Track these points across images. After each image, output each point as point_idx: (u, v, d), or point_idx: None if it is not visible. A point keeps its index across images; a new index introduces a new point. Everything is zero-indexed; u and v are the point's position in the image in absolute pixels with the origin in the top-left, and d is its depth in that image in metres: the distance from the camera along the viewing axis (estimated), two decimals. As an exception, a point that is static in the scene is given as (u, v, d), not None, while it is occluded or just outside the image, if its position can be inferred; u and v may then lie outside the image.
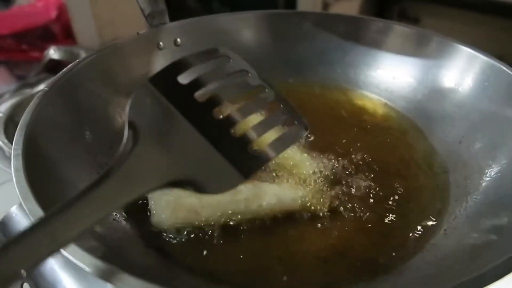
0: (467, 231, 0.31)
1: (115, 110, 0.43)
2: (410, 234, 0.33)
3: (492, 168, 0.35)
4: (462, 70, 0.43)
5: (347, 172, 0.39)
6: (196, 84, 0.28)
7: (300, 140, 0.41)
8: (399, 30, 0.49)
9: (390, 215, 0.35)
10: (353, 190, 0.37)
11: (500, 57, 0.40)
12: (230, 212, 0.33)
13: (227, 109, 0.28)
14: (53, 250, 0.19)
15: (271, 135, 0.29)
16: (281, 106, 0.30)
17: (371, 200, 0.36)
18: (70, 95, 0.38)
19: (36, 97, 0.34)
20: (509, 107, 0.37)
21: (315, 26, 0.52)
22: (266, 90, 0.30)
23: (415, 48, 0.48)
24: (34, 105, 0.33)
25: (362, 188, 0.37)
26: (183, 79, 0.28)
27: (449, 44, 0.44)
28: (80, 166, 0.36)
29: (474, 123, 0.40)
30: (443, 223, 0.34)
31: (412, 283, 0.29)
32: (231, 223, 0.33)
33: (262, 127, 0.29)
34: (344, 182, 0.37)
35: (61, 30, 0.84)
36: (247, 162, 0.27)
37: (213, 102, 0.28)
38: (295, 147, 0.41)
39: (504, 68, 0.38)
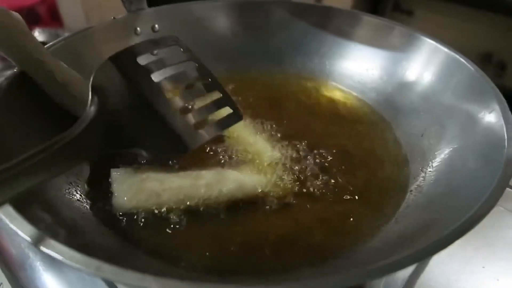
0: (416, 217, 0.32)
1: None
2: (364, 222, 0.34)
3: (442, 161, 0.36)
4: (426, 63, 0.44)
5: (310, 161, 0.40)
6: (152, 66, 0.33)
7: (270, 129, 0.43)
8: (368, 21, 0.50)
9: (348, 203, 0.36)
10: (314, 179, 0.38)
11: (491, 53, 0.41)
12: (191, 196, 0.34)
13: (176, 92, 0.33)
14: None
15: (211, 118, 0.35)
16: (222, 95, 0.36)
17: (331, 189, 0.37)
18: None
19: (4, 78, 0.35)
20: (469, 102, 0.37)
21: (288, 16, 0.53)
22: (210, 80, 0.36)
23: (384, 40, 0.48)
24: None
25: (323, 177, 0.38)
26: (142, 60, 0.33)
27: (414, 35, 0.45)
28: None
29: (437, 116, 0.41)
30: (396, 212, 0.35)
31: (358, 264, 0.30)
32: (192, 205, 0.34)
33: (205, 111, 0.34)
34: (306, 171, 0.38)
35: (47, 13, 0.84)
36: (191, 137, 0.32)
37: (165, 84, 0.33)
38: (261, 134, 0.42)
39: (465, 62, 0.39)
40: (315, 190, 0.37)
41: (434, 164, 0.37)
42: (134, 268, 0.19)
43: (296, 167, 0.39)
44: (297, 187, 0.37)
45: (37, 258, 0.37)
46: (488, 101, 0.34)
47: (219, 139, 0.41)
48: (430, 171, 0.37)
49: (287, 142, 0.42)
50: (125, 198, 0.33)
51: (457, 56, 0.40)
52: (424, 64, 0.44)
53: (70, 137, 0.25)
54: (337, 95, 0.51)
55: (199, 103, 0.36)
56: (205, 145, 0.39)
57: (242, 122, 0.38)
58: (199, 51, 0.53)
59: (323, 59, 0.54)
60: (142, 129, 0.30)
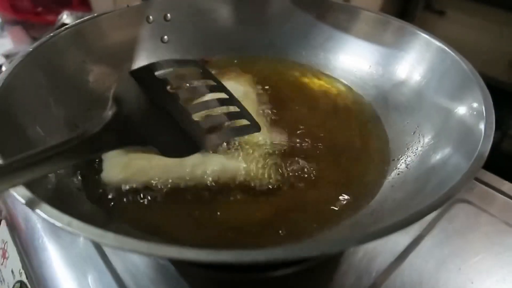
0: (389, 205, 0.34)
1: (99, 78, 0.47)
2: (342, 207, 0.36)
3: (423, 154, 0.37)
4: (421, 58, 0.44)
5: (297, 149, 0.41)
6: (169, 79, 0.36)
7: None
8: (366, 15, 0.50)
9: (327, 190, 0.37)
10: (299, 167, 0.39)
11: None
12: (177, 175, 0.36)
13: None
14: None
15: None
16: (239, 109, 0.38)
17: (313, 178, 0.38)
18: (52, 59, 0.41)
19: (19, 56, 0.38)
20: (460, 103, 0.37)
21: (293, 8, 0.54)
22: (228, 96, 0.38)
23: (382, 34, 0.49)
24: (14, 63, 0.36)
25: (307, 166, 0.39)
26: (160, 74, 0.36)
27: (410, 30, 0.45)
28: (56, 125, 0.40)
29: (429, 113, 0.41)
30: (372, 205, 0.36)
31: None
32: (178, 185, 0.36)
33: (219, 119, 0.37)
34: (291, 158, 0.40)
35: (76, -4, 0.88)
36: (205, 140, 0.34)
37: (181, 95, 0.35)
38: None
39: (459, 60, 0.39)
40: (298, 177, 0.38)
41: (415, 158, 0.38)
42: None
43: (281, 153, 0.40)
44: (279, 174, 0.38)
45: (39, 221, 0.40)
46: (475, 99, 0.34)
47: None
48: (410, 163, 0.37)
49: (279, 129, 0.43)
50: (113, 173, 0.36)
51: (452, 53, 0.40)
52: (420, 59, 0.44)
53: (89, 134, 0.28)
54: (336, 88, 0.52)
55: (214, 112, 0.38)
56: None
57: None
58: (209, 41, 0.56)
59: (327, 54, 0.54)
60: (156, 130, 0.33)
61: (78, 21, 0.45)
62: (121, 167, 0.36)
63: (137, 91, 0.33)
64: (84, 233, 0.21)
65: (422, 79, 0.44)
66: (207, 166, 0.36)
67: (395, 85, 0.47)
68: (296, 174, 0.39)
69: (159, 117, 0.33)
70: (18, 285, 0.39)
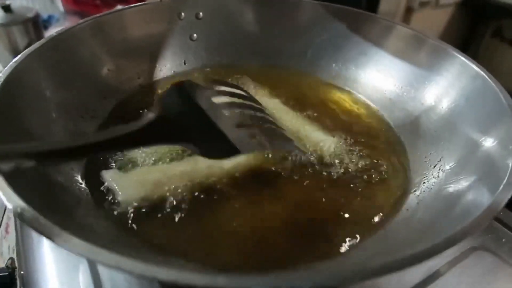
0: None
1: (119, 69, 0.48)
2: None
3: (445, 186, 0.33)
4: (455, 83, 0.40)
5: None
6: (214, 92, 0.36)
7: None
8: (401, 31, 0.46)
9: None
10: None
11: None
12: (196, 179, 0.35)
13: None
14: None
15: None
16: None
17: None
18: (73, 47, 0.42)
19: (41, 40, 0.39)
20: (489, 134, 0.33)
21: (328, 18, 0.51)
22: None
23: (417, 53, 0.45)
24: (31, 49, 0.37)
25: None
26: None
27: (447, 51, 0.41)
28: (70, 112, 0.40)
29: (455, 146, 0.36)
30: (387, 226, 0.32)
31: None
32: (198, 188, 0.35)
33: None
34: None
35: (132, -8, 0.92)
36: (244, 145, 0.34)
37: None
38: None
39: (496, 88, 0.34)
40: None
41: (429, 192, 0.33)
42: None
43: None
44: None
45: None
46: (506, 136, 0.30)
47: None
48: (422, 198, 0.33)
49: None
50: (131, 192, 0.33)
51: (491, 83, 0.35)
52: (453, 83, 0.40)
53: (133, 128, 0.29)
54: (359, 108, 0.48)
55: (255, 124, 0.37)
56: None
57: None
58: (238, 44, 0.55)
59: (359, 69, 0.51)
60: (198, 132, 0.32)
61: (105, 12, 0.46)
62: (137, 184, 0.34)
63: (182, 98, 0.33)
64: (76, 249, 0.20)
65: (455, 108, 0.39)
66: (222, 163, 0.36)
67: (425, 110, 0.42)
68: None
69: (201, 121, 0.33)
70: (9, 261, 0.40)
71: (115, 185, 0.34)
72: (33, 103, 0.36)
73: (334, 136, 0.42)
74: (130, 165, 0.37)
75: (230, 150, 0.33)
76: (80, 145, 0.26)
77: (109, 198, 0.34)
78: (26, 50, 0.38)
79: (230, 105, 0.35)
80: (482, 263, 0.36)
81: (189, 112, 0.33)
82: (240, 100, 0.37)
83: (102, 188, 0.34)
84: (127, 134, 0.28)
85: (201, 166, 0.36)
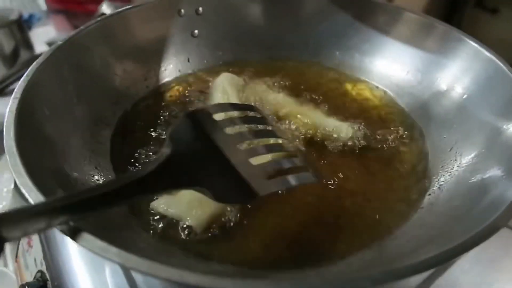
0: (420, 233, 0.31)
1: (126, 72, 0.47)
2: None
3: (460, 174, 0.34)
4: (467, 68, 0.40)
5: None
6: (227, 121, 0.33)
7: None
8: (409, 17, 0.47)
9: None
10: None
11: None
12: None
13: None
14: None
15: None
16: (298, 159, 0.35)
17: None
18: (79, 54, 0.41)
19: (48, 51, 0.38)
20: (505, 119, 0.34)
21: (329, 6, 0.51)
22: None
23: (425, 39, 0.45)
24: (42, 59, 0.37)
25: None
26: (217, 116, 0.32)
27: (457, 36, 0.41)
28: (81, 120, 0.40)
29: (469, 131, 0.37)
30: (398, 228, 0.33)
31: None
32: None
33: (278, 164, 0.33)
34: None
35: (119, -13, 0.89)
36: (262, 185, 0.30)
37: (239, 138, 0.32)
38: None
39: (509, 73, 0.35)
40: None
41: (451, 179, 0.34)
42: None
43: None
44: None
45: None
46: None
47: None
48: (444, 185, 0.34)
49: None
50: (200, 217, 0.33)
51: (503, 67, 0.36)
52: (465, 69, 0.41)
53: (142, 174, 0.26)
54: (373, 94, 0.49)
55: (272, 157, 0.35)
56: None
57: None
58: (239, 38, 0.54)
59: (363, 57, 0.51)
60: (211, 173, 0.30)
61: (107, 15, 0.45)
62: (201, 209, 0.33)
63: (194, 132, 0.31)
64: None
65: (465, 91, 0.40)
66: None
67: (433, 94, 0.43)
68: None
69: (215, 159, 0.31)
70: (39, 274, 0.40)
71: (175, 211, 0.34)
72: (51, 115, 0.35)
73: (348, 122, 0.43)
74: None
75: (245, 193, 0.30)
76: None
77: (181, 227, 0.33)
78: (34, 63, 0.37)
79: (243, 135, 0.33)
80: (498, 239, 0.39)
81: (202, 149, 0.31)
82: (254, 126, 0.36)
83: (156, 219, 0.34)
84: (139, 180, 0.26)
85: None
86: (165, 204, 0.34)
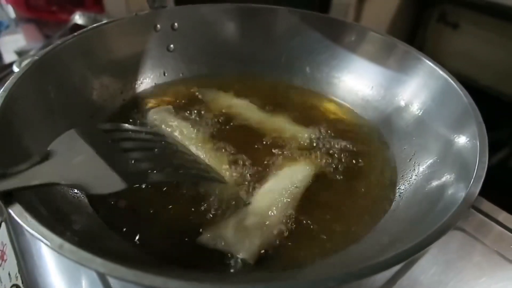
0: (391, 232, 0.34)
1: (103, 86, 0.48)
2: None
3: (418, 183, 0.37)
4: (424, 86, 0.44)
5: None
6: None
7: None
8: (373, 37, 0.50)
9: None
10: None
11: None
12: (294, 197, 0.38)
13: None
14: None
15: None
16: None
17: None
18: (56, 69, 0.42)
19: (23, 66, 0.39)
20: (458, 134, 0.37)
21: (299, 25, 0.54)
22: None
23: (387, 57, 0.49)
24: (19, 74, 0.37)
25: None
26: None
27: (415, 56, 0.45)
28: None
29: (426, 143, 0.41)
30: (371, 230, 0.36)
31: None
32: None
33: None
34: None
35: (91, -4, 0.89)
36: (130, 176, 0.31)
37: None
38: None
39: (460, 92, 0.38)
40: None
41: (409, 187, 0.38)
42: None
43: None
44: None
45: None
46: (471, 133, 0.34)
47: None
48: (404, 193, 0.37)
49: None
50: (249, 245, 0.33)
51: (454, 84, 0.40)
52: (422, 86, 0.44)
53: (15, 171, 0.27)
54: (339, 107, 0.52)
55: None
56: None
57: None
58: (214, 52, 0.56)
59: (332, 72, 0.55)
60: (86, 170, 0.30)
61: (84, 29, 0.46)
62: (248, 239, 0.34)
63: (77, 142, 0.31)
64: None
65: (422, 106, 0.44)
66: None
67: (395, 108, 0.47)
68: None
69: (92, 160, 0.31)
70: None
71: (225, 244, 0.34)
72: (28, 127, 0.36)
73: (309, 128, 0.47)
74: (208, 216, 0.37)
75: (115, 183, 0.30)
76: None
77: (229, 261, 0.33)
78: (11, 78, 0.37)
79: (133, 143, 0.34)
80: (454, 241, 0.42)
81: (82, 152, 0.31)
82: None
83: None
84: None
85: (289, 182, 0.39)
86: (213, 237, 0.34)
